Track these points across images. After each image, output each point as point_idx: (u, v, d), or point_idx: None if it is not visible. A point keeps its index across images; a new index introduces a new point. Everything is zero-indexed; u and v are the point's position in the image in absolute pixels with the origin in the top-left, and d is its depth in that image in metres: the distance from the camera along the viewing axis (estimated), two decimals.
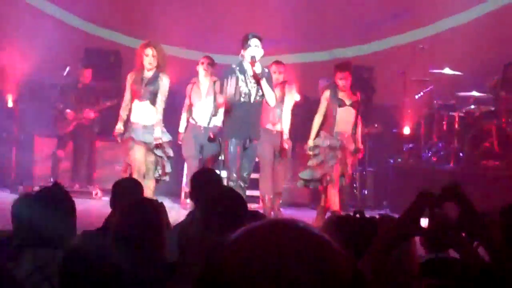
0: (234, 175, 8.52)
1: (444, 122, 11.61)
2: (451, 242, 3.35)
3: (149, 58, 8.80)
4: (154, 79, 8.81)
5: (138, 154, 8.74)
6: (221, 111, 9.42)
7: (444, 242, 3.66)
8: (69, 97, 11.38)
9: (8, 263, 3.75)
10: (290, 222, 1.56)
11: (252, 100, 8.61)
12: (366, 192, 11.73)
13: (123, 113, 8.99)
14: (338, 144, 9.18)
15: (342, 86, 9.22)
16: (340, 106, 9.24)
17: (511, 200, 4.12)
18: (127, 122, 8.96)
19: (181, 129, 10.43)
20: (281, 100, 9.89)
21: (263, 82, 8.55)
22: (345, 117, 9.27)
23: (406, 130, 12.00)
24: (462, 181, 10.77)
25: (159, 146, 8.81)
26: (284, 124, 10.11)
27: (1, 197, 10.27)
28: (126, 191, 5.37)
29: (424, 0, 12.94)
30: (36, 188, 10.26)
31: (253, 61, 8.52)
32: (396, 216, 4.13)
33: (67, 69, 11.65)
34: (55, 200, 3.92)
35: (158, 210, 3.86)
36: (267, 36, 12.52)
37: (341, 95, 9.28)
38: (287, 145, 10.14)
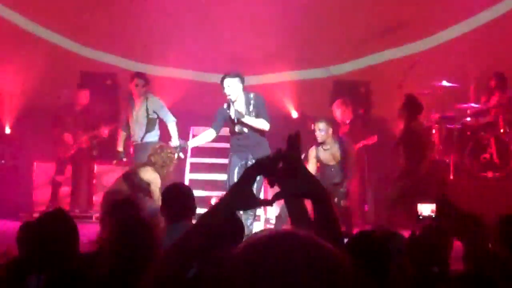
0: None
1: (442, 135, 11.61)
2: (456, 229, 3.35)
3: None
4: None
5: None
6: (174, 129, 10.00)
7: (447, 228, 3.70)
8: (65, 121, 11.36)
9: None
10: (295, 233, 1.56)
11: None
12: (366, 207, 11.69)
13: None
14: None
15: None
16: None
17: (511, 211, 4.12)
18: None
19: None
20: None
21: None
22: None
23: None
24: (463, 192, 10.76)
25: None
26: None
27: (2, 224, 10.23)
28: (121, 209, 5.34)
29: (419, 13, 12.96)
30: (36, 215, 10.26)
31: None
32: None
33: (63, 93, 11.63)
34: (59, 225, 3.91)
35: (149, 229, 3.80)
36: (264, 54, 12.61)
37: None
38: None
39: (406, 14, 12.97)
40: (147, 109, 10.07)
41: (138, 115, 10.12)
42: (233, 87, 8.80)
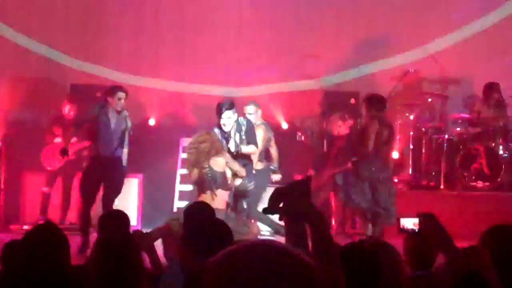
0: None
1: (432, 145, 11.63)
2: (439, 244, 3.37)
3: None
4: None
5: None
6: None
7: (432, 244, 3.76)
8: (55, 132, 11.32)
9: None
10: (269, 244, 1.58)
11: None
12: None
13: None
14: None
15: None
16: None
17: (501, 221, 4.12)
18: None
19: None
20: None
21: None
22: None
23: (395, 155, 11.97)
24: (452, 203, 10.77)
25: None
26: None
27: None
28: (111, 223, 5.33)
29: (409, 23, 12.97)
30: (26, 227, 10.20)
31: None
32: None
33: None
34: (48, 238, 3.88)
35: (131, 245, 3.71)
36: (255, 65, 12.62)
37: None
38: None
39: (397, 25, 12.98)
40: (127, 125, 9.78)
41: (117, 128, 9.74)
42: (232, 119, 9.05)
